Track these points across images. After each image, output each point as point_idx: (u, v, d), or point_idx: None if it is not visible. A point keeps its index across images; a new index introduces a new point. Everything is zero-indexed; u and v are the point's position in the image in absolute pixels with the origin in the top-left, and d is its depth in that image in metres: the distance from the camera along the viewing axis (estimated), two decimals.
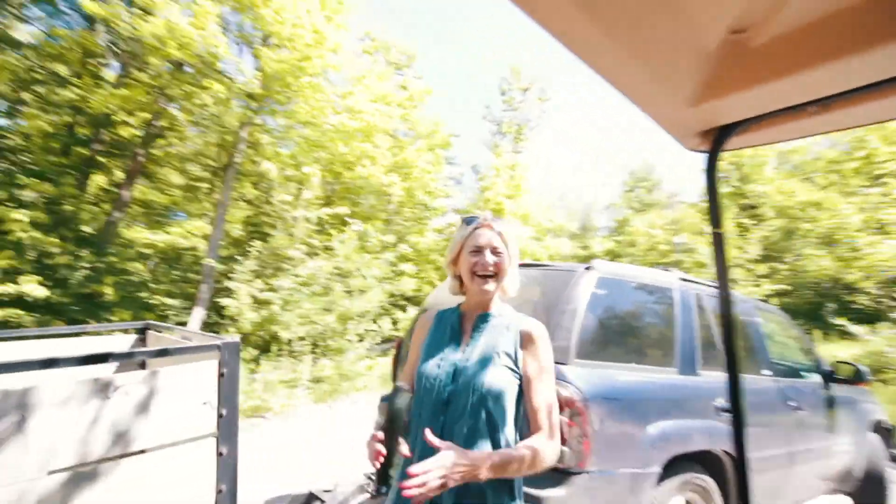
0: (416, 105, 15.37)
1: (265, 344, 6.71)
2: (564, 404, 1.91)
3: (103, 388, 1.08)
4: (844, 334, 9.58)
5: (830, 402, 3.22)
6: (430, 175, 14.02)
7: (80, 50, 8.27)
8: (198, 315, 6.55)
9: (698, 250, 13.26)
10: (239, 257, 7.10)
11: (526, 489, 1.85)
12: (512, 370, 1.14)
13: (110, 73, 9.97)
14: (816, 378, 3.33)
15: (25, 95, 8.01)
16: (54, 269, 6.21)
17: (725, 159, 18.31)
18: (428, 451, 1.00)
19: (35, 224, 6.06)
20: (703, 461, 2.32)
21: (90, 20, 8.60)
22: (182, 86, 7.67)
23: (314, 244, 8.37)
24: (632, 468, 1.99)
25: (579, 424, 1.90)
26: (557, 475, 1.88)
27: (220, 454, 1.24)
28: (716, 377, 2.56)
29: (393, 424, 1.05)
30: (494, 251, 1.19)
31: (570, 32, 0.73)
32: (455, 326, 1.25)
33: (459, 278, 1.27)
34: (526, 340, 1.17)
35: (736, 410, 1.03)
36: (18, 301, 5.57)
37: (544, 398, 1.13)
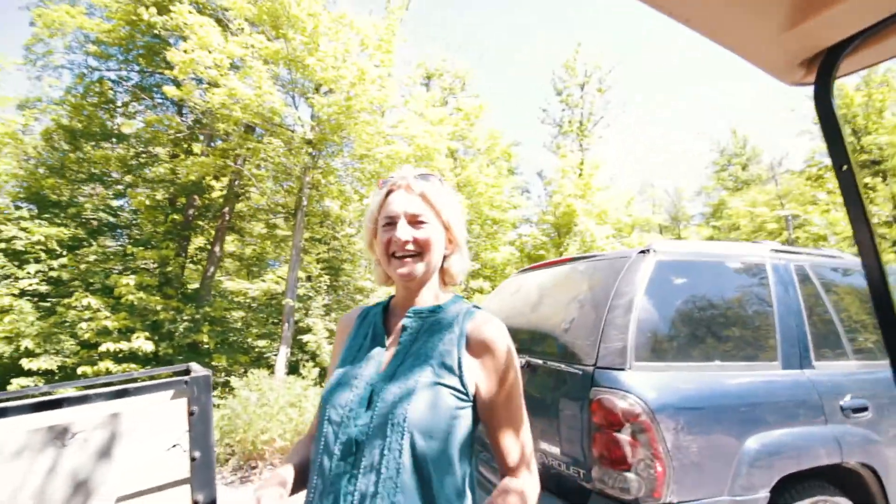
0: (472, 123, 15.42)
1: None
2: (624, 418, 1.56)
3: (59, 436, 1.01)
4: None
5: None
6: (495, 188, 13.81)
7: (173, 130, 9.50)
8: (283, 353, 6.92)
9: (813, 221, 11.39)
10: (312, 294, 7.43)
11: None
12: (455, 389, 0.80)
13: (198, 146, 11.35)
14: None
15: (130, 178, 9.30)
16: (161, 325, 7.00)
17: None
18: None
19: (142, 287, 6.91)
20: (833, 479, 1.78)
21: (177, 104, 9.89)
22: (249, 144, 8.39)
23: None
24: (729, 495, 1.56)
25: (646, 444, 1.53)
26: None
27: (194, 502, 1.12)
28: (839, 368, 2.00)
29: None
30: (414, 220, 0.87)
31: None
32: (378, 329, 0.93)
33: None
34: (473, 343, 0.84)
35: None
36: (132, 356, 6.33)
37: (513, 427, 0.82)
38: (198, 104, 7.56)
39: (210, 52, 6.42)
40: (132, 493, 1.13)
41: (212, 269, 9.33)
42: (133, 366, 6.28)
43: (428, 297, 0.93)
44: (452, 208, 0.92)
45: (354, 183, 9.27)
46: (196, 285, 9.92)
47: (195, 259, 10.49)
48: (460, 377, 0.81)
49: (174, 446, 1.13)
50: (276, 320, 10.49)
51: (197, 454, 1.14)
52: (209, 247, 10.45)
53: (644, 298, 1.84)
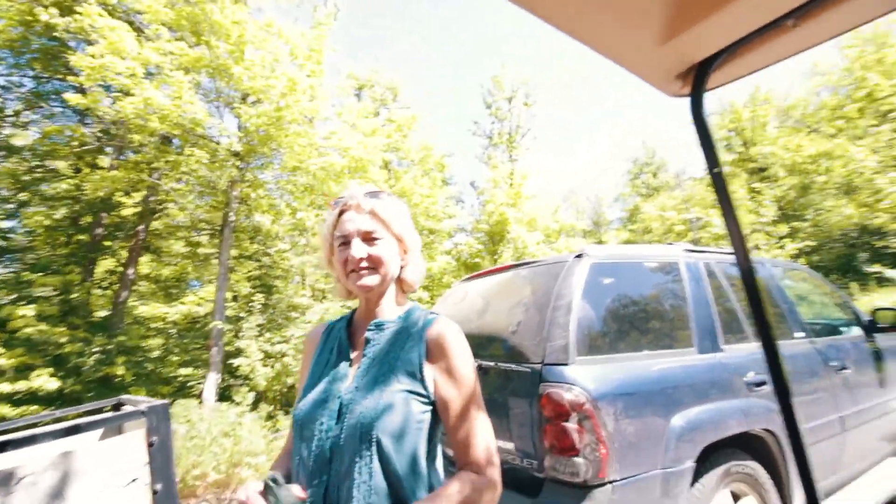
0: (405, 135, 15.56)
1: (285, 398, 6.57)
2: (570, 408, 1.71)
3: (4, 482, 0.93)
4: (883, 281, 9.02)
5: (877, 355, 2.92)
6: (430, 199, 14.01)
7: (75, 143, 8.58)
8: (212, 379, 6.47)
9: (713, 223, 12.83)
10: (244, 315, 7.04)
11: None
12: (417, 395, 0.85)
13: (105, 160, 10.34)
14: (857, 331, 3.03)
15: (24, 196, 8.27)
16: (66, 359, 6.25)
17: (725, 126, 17.98)
18: None
19: (42, 317, 6.14)
20: (743, 445, 2.06)
21: (80, 113, 8.96)
22: (168, 157, 7.83)
23: (322, 287, 8.30)
24: (661, 468, 1.76)
25: (590, 429, 1.69)
26: (576, 491, 1.66)
27: None
28: (742, 350, 2.32)
29: None
30: (367, 238, 0.92)
31: None
32: (343, 343, 0.97)
33: None
34: (433, 348, 0.89)
35: (778, 381, 0.92)
36: (32, 397, 5.58)
37: (466, 422, 0.86)
38: (107, 113, 6.93)
39: (123, 58, 5.94)
40: None
41: (125, 294, 8.52)
42: (34, 407, 5.54)
43: (387, 307, 0.98)
44: (402, 220, 0.98)
45: (286, 196, 8.96)
46: (106, 312, 8.99)
47: (104, 284, 9.49)
48: (422, 382, 0.87)
49: (133, 481, 1.08)
50: (199, 345, 9.79)
51: (159, 486, 1.10)
52: (121, 269, 9.54)
53: (581, 298, 2.02)
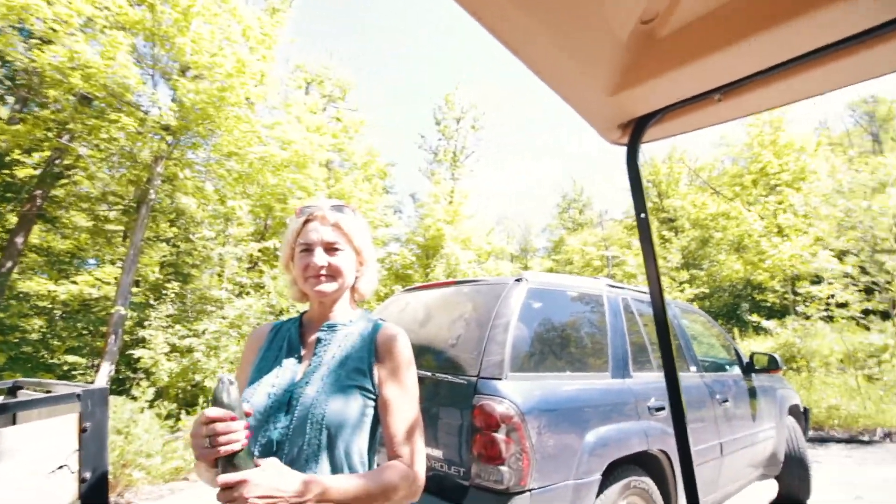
0: (351, 137, 15.34)
1: (190, 397, 6.09)
2: (501, 420, 1.84)
3: None
4: (759, 329, 10.44)
5: (752, 392, 3.41)
6: (369, 205, 13.87)
7: None
8: (105, 370, 5.82)
9: (627, 262, 14.05)
10: (154, 303, 6.46)
11: None
12: (365, 391, 0.93)
13: (3, 110, 9.05)
14: (737, 371, 3.52)
15: None
16: None
17: (645, 176, 19.85)
18: None
19: None
20: (641, 463, 2.32)
21: None
22: (86, 120, 7.07)
23: (243, 282, 7.87)
24: (574, 479, 1.93)
25: (517, 441, 1.82)
26: (498, 497, 1.78)
27: None
28: (647, 378, 2.61)
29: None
30: (329, 248, 0.99)
31: (499, 21, 0.73)
32: (293, 341, 1.02)
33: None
34: (381, 350, 0.97)
35: (676, 406, 1.03)
36: None
37: (403, 420, 0.93)
38: (17, 59, 6.13)
39: (50, 3, 5.33)
40: None
41: (9, 264, 7.45)
42: None
43: (339, 312, 1.05)
44: (363, 235, 1.06)
45: (218, 182, 8.42)
46: None
47: None
48: (371, 380, 0.95)
49: (61, 468, 1.02)
50: (90, 330, 8.75)
51: (88, 474, 1.05)
52: (5, 235, 8.33)
53: (518, 319, 2.18)
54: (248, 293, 7.56)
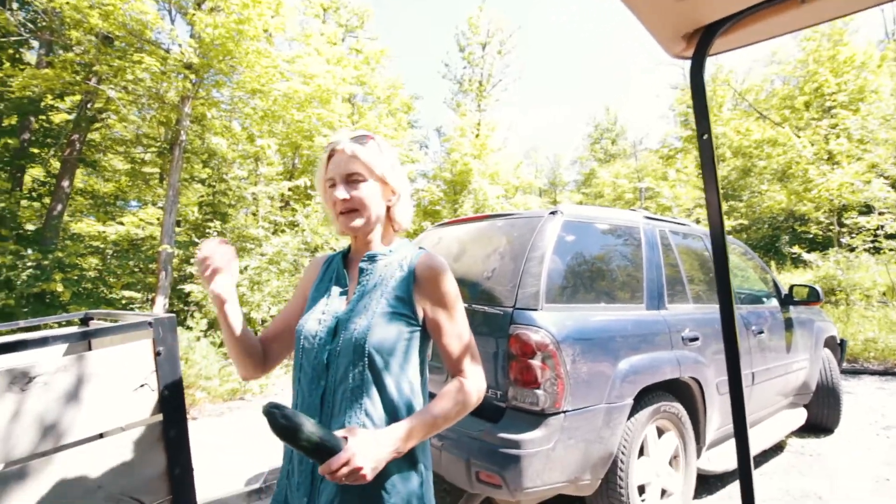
0: (372, 68, 14.74)
1: None
2: (536, 349, 1.91)
3: (17, 380, 0.96)
4: (797, 262, 10.10)
5: (788, 324, 3.38)
6: (394, 140, 13.63)
7: None
8: (160, 303, 6.28)
9: (662, 194, 13.54)
10: (198, 240, 6.77)
11: (503, 434, 1.86)
12: (405, 316, 0.97)
13: (31, 55, 9.08)
14: (774, 303, 3.47)
15: None
16: None
17: (685, 101, 18.51)
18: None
19: None
20: (672, 389, 2.39)
21: None
22: (111, 61, 7.03)
23: (277, 220, 8.08)
24: (605, 403, 2.02)
25: (552, 367, 1.90)
26: (533, 418, 1.89)
27: (167, 437, 1.16)
28: (682, 310, 2.61)
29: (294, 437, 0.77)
30: (349, 180, 0.99)
31: None
32: (340, 273, 1.08)
33: None
34: (420, 277, 0.99)
35: (730, 340, 0.99)
36: None
37: (454, 337, 0.98)
38: (36, 0, 6.04)
39: None
40: (104, 433, 1.12)
41: (59, 208, 7.85)
42: None
43: (378, 242, 1.08)
44: (386, 163, 1.03)
45: (245, 120, 8.39)
46: (33, 226, 8.27)
47: (34, 195, 8.65)
48: (410, 306, 0.98)
49: (142, 386, 1.14)
50: (140, 268, 9.33)
51: (166, 391, 1.16)
52: (52, 181, 8.71)
53: (553, 251, 2.18)
54: (283, 231, 7.79)
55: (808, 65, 13.82)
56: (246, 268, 6.45)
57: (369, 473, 0.79)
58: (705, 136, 0.99)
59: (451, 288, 1.01)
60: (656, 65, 35.70)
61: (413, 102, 16.07)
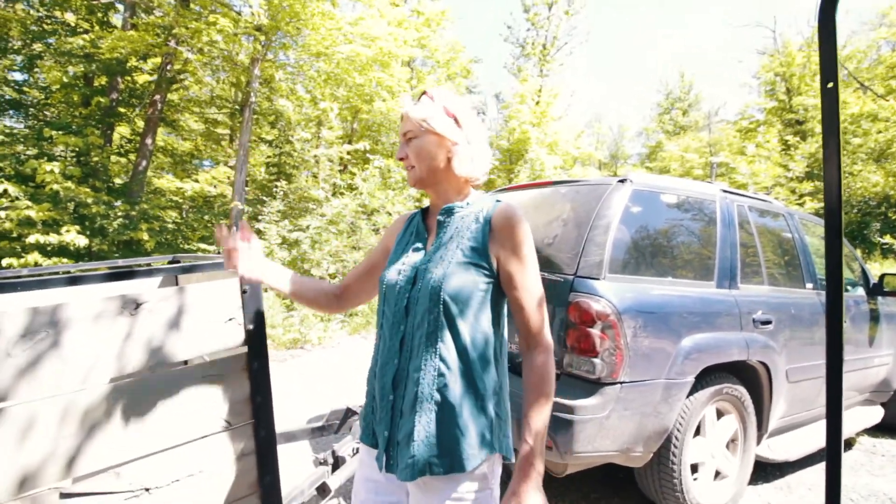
0: (433, 30, 14.45)
1: None
2: (597, 318, 1.88)
3: (128, 305, 1.08)
4: (889, 252, 9.07)
5: (874, 315, 3.10)
6: None
7: None
8: None
9: (738, 170, 12.49)
10: (265, 199, 7.15)
11: (558, 399, 1.87)
12: (480, 266, 0.98)
13: (117, 19, 9.70)
14: (860, 292, 3.17)
15: (39, 47, 7.90)
16: (90, 219, 6.46)
17: (773, 69, 16.73)
18: (388, 372, 1.00)
19: (67, 176, 6.22)
20: (737, 372, 2.28)
21: None
22: (188, 24, 7.37)
23: (337, 183, 8.33)
24: (664, 378, 1.97)
25: (611, 338, 1.87)
26: (589, 385, 1.88)
27: (251, 367, 1.27)
28: (755, 291, 2.46)
29: None
30: (405, 139, 1.07)
31: None
32: (419, 227, 1.14)
33: None
34: (495, 227, 1.00)
35: (833, 329, 0.88)
36: (62, 250, 5.87)
37: (525, 290, 0.99)
38: None
39: None
40: (197, 357, 1.25)
41: (143, 164, 8.54)
42: (65, 260, 5.85)
43: (452, 195, 1.10)
44: (439, 118, 1.03)
45: (309, 83, 8.59)
46: (121, 180, 9.06)
47: (121, 151, 9.44)
48: (486, 257, 0.99)
49: (230, 320, 1.24)
50: (213, 223, 10.03)
51: (251, 326, 1.26)
52: (136, 138, 9.43)
53: (620, 221, 2.10)
54: (342, 194, 8.04)
55: None
56: (307, 227, 6.76)
57: None
58: (830, 85, 0.83)
59: (525, 239, 1.01)
60: (741, 25, 32.30)
61: (472, 67, 15.67)
